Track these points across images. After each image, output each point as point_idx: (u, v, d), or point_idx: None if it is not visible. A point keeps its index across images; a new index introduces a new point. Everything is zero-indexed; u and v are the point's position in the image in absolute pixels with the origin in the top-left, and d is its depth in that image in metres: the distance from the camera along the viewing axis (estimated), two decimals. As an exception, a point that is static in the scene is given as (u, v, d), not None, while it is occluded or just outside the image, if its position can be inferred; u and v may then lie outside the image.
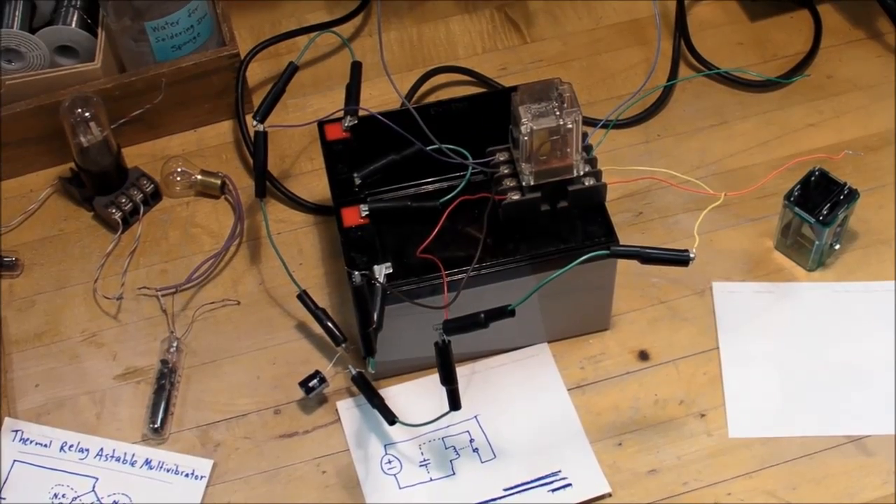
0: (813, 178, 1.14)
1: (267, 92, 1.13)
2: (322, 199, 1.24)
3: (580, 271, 0.97)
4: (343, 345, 1.10)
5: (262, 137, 1.12)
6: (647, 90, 1.28)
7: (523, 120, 1.01)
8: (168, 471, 1.07)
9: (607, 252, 0.99)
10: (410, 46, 1.38)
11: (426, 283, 1.03)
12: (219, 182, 1.25)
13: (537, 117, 1.01)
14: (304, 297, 1.11)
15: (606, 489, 1.04)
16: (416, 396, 1.10)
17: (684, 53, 1.35)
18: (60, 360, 1.14)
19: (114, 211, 1.22)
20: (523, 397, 1.10)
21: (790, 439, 1.07)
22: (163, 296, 1.17)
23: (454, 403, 1.00)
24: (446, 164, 1.07)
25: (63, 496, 1.05)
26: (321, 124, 1.13)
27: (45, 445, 1.08)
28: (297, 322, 1.16)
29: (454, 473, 1.06)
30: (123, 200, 1.22)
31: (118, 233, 1.21)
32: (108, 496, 1.05)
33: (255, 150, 1.13)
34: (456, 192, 1.06)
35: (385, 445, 1.08)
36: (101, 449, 1.08)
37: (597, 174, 1.05)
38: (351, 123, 1.12)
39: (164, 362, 1.12)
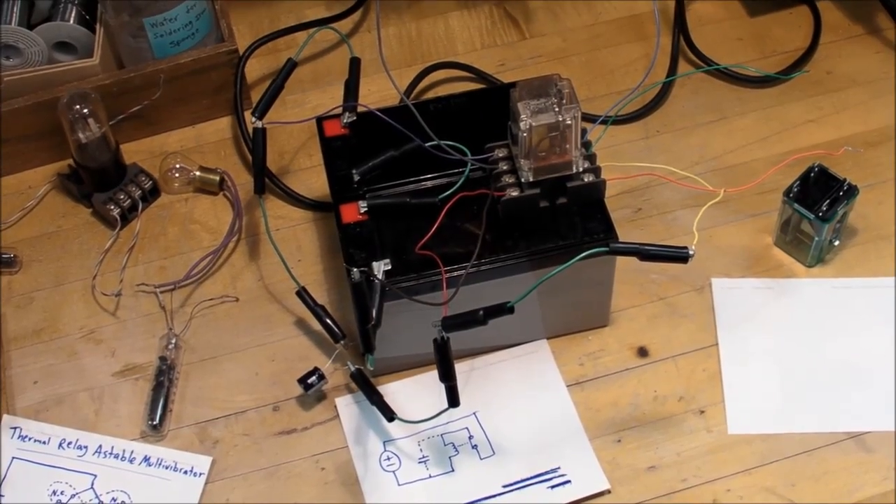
0: (812, 175, 1.13)
1: (266, 88, 1.13)
2: (321, 196, 1.24)
3: (579, 268, 0.97)
4: (342, 341, 1.10)
5: (261, 134, 1.12)
6: (646, 86, 1.27)
7: (522, 116, 1.00)
8: (167, 468, 1.07)
9: (606, 249, 0.99)
10: (409, 42, 1.37)
11: (425, 279, 1.02)
12: (217, 178, 1.24)
13: (536, 113, 1.01)
14: (302, 294, 1.11)
15: (605, 486, 1.04)
16: (414, 393, 1.10)
17: (683, 49, 1.35)
18: (59, 356, 1.14)
19: (112, 207, 1.21)
20: (522, 394, 1.10)
21: (789, 436, 1.06)
22: (161, 292, 1.17)
23: (453, 400, 1.00)
24: (445, 160, 1.06)
25: (62, 493, 1.05)
26: (320, 120, 1.13)
27: (44, 442, 1.08)
28: (296, 319, 1.16)
29: (453, 470, 1.06)
30: (122, 197, 1.22)
31: (117, 229, 1.21)
32: (107, 493, 1.05)
33: (254, 146, 1.12)
34: (455, 188, 1.06)
35: (384, 442, 1.08)
36: (100, 446, 1.08)
37: (596, 170, 1.05)
38: (350, 120, 1.12)
39: (162, 359, 1.12)
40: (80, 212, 1.25)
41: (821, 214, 1.12)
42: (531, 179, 1.03)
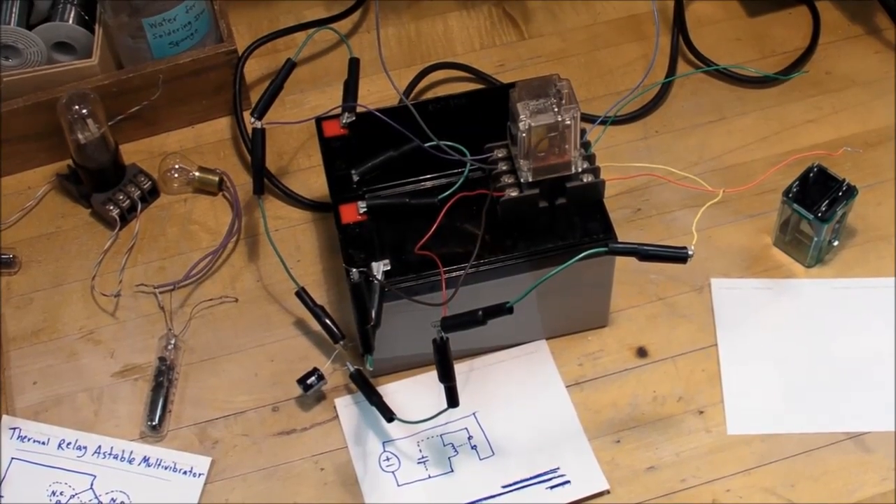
0: (811, 175, 1.13)
1: (265, 88, 1.13)
2: (320, 196, 1.24)
3: (578, 268, 0.97)
4: (341, 342, 1.10)
5: (260, 134, 1.12)
6: (645, 86, 1.27)
7: (521, 116, 1.00)
8: (166, 468, 1.07)
9: (605, 249, 0.99)
10: (408, 43, 1.37)
11: (424, 279, 1.02)
12: (216, 179, 1.24)
13: (535, 114, 1.01)
14: (302, 294, 1.11)
15: (605, 486, 1.04)
16: (414, 393, 1.10)
17: (682, 50, 1.34)
18: (58, 357, 1.14)
19: (111, 208, 1.21)
20: (522, 394, 1.10)
21: (789, 436, 1.06)
22: (160, 293, 1.17)
23: (452, 400, 1.00)
24: (444, 160, 1.06)
25: (61, 494, 1.05)
26: (319, 121, 1.13)
27: (43, 443, 1.08)
28: (296, 319, 1.16)
29: (452, 470, 1.06)
30: (121, 197, 1.22)
31: (116, 230, 1.21)
32: (106, 493, 1.05)
33: (253, 146, 1.12)
34: (454, 188, 1.06)
35: (383, 443, 1.08)
36: (99, 446, 1.08)
37: (595, 171, 1.05)
38: (349, 120, 1.12)
39: (161, 359, 1.12)
40: (79, 212, 1.25)
41: (820, 215, 1.12)
42: (530, 180, 1.03)
